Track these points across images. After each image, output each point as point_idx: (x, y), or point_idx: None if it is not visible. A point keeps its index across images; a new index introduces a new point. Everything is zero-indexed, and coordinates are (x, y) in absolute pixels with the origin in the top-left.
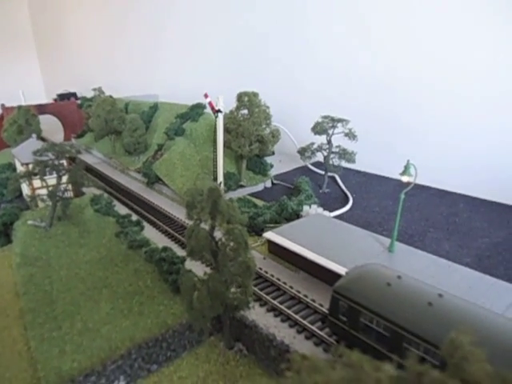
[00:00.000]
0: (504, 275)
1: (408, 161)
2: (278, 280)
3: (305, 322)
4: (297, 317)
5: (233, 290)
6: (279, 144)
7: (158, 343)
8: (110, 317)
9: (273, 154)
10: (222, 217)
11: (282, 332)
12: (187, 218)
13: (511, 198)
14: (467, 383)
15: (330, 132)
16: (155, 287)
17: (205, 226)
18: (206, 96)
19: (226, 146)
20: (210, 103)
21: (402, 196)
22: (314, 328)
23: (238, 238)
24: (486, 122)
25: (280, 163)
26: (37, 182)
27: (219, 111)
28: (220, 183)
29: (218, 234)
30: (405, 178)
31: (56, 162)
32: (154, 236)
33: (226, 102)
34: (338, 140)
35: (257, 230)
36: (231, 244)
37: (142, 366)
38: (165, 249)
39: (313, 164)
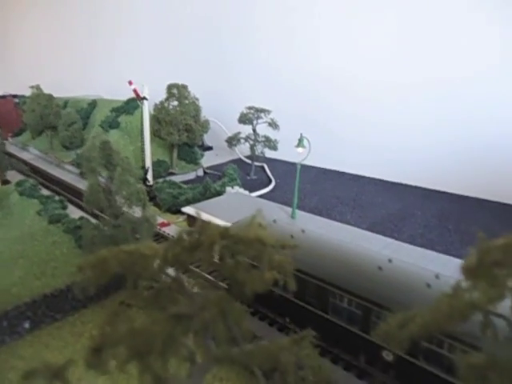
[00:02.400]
0: (390, 235)
1: (301, 134)
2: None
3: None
4: (204, 274)
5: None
6: (216, 139)
7: (63, 293)
8: (21, 280)
9: (211, 149)
10: (116, 169)
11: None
12: (85, 171)
13: (409, 179)
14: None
15: (255, 122)
16: (71, 254)
17: (102, 179)
18: (130, 83)
19: (157, 135)
20: (134, 90)
21: (299, 166)
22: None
23: (130, 188)
24: (387, 114)
25: (216, 156)
26: None
27: (144, 98)
28: (147, 169)
29: None
30: (300, 150)
31: None
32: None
33: (159, 94)
34: (265, 130)
35: (179, 209)
36: (124, 193)
37: (47, 313)
38: (81, 218)
39: (246, 157)
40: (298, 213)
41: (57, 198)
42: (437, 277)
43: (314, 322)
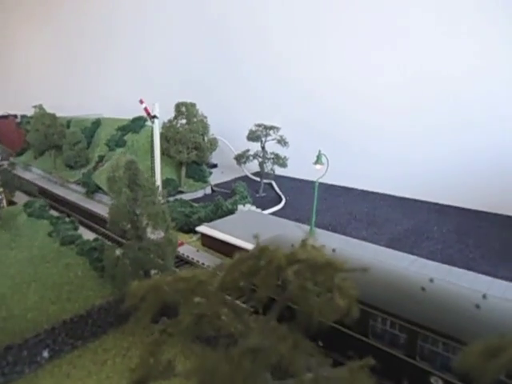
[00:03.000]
0: (409, 252)
1: (319, 151)
2: (208, 266)
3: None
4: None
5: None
6: (221, 156)
7: (82, 319)
8: (37, 304)
9: (216, 166)
10: (141, 190)
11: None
12: (109, 191)
13: (420, 194)
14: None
15: (264, 139)
16: (85, 277)
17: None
18: (141, 102)
19: (166, 153)
20: (145, 109)
21: (316, 184)
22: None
23: (155, 208)
24: (396, 129)
25: (222, 174)
26: None
27: (155, 117)
28: (157, 187)
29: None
30: (318, 167)
31: None
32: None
33: (166, 112)
34: (273, 147)
35: (192, 228)
36: (149, 214)
37: (66, 340)
38: (96, 239)
39: (253, 174)
40: (316, 230)
41: (67, 219)
42: (484, 297)
43: (351, 346)
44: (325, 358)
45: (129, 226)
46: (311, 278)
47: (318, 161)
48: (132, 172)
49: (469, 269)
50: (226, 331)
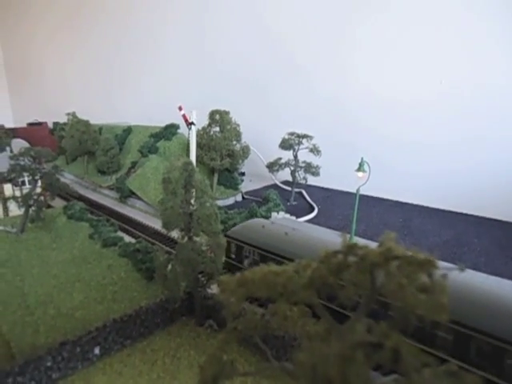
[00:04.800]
0: (452, 263)
1: (362, 158)
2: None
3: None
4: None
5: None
6: (249, 164)
7: (131, 319)
8: (83, 304)
9: (243, 174)
10: (195, 191)
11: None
12: (163, 192)
13: (458, 206)
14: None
15: (296, 148)
16: (129, 278)
17: (178, 201)
18: (180, 109)
19: (199, 160)
20: (183, 115)
21: (358, 192)
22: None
23: (208, 209)
24: (433, 140)
25: (251, 182)
26: (7, 188)
27: (192, 123)
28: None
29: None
30: (360, 174)
31: (33, 166)
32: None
33: (197, 120)
34: (304, 156)
35: (226, 234)
36: (203, 214)
37: (116, 339)
38: (139, 241)
39: (281, 182)
40: (356, 239)
41: (106, 221)
42: None
43: None
44: (428, 358)
45: (183, 227)
46: (409, 275)
47: (361, 168)
48: (188, 173)
49: None
50: (294, 331)
